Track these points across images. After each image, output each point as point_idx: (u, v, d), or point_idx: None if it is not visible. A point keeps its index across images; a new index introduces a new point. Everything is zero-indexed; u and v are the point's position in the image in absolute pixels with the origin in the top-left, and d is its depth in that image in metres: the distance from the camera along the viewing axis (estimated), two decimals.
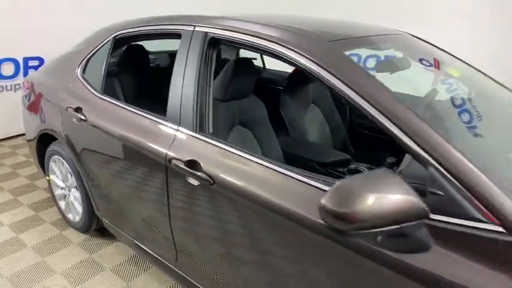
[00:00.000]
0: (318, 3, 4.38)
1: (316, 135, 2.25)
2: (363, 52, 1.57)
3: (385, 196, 0.86)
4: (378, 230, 0.89)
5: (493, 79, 1.77)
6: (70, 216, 2.39)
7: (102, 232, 2.33)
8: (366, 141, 2.33)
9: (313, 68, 1.19)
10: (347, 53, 1.26)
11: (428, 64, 1.70)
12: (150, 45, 2.52)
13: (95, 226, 2.28)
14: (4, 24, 3.45)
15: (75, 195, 2.26)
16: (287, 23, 1.47)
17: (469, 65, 1.82)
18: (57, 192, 2.45)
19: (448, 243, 0.88)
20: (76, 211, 2.31)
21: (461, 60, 1.84)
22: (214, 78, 1.60)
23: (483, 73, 1.79)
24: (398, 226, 0.87)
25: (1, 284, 1.94)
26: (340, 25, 1.78)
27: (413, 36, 1.96)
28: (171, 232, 1.60)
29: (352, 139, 2.39)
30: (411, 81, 1.80)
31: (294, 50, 1.25)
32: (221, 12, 1.67)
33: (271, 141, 1.86)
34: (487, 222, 0.86)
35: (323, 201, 0.89)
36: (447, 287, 0.86)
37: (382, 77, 1.24)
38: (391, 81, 1.24)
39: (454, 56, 1.86)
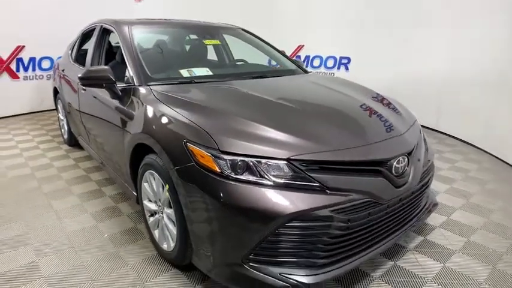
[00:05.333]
0: None
1: None
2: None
3: (97, 70, 2.36)
4: (98, 84, 2.37)
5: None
6: (65, 136, 4.22)
7: (79, 147, 4.09)
8: None
9: (120, 37, 2.74)
10: (135, 31, 2.77)
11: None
12: None
13: (73, 141, 4.05)
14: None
15: (65, 122, 4.07)
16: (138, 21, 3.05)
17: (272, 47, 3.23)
18: (61, 123, 4.30)
19: (126, 93, 2.34)
20: (66, 131, 4.11)
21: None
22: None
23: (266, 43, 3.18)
24: (104, 85, 2.36)
25: None
26: (173, 22, 3.27)
27: (243, 30, 3.40)
28: (82, 122, 3.23)
29: None
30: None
31: (117, 30, 2.82)
32: None
33: None
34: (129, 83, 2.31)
35: (79, 74, 2.42)
36: (133, 117, 2.31)
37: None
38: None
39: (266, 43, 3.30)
